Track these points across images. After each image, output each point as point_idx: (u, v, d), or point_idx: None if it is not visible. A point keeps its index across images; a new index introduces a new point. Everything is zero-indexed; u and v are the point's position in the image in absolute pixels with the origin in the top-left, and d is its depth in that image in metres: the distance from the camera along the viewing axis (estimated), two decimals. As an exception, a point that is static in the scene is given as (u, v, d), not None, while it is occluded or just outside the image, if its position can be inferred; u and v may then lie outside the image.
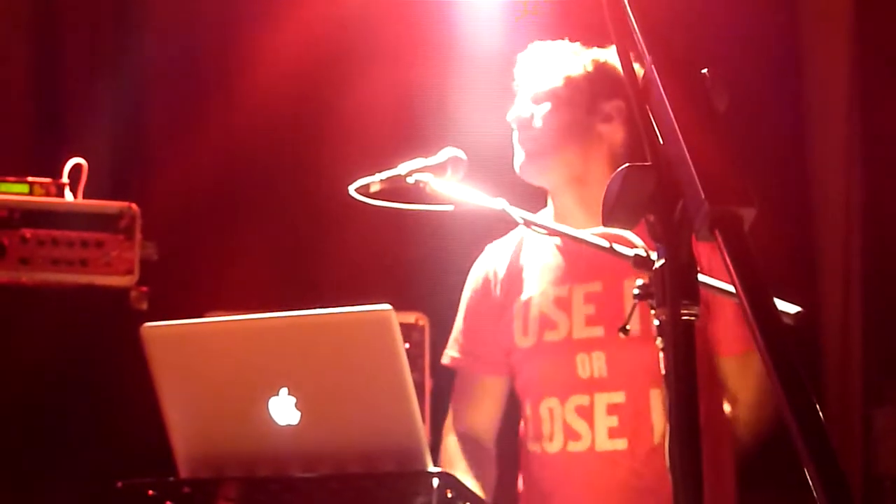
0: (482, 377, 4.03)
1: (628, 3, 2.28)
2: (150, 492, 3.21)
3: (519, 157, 3.99)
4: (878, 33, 6.09)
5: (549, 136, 3.91)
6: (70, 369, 5.18)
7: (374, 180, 3.58)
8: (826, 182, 6.14)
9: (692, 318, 2.23)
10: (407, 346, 3.15)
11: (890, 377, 5.78)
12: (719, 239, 2.15)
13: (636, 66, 2.29)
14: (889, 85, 5.98)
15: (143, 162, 5.71)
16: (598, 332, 3.84)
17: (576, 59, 4.05)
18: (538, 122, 3.97)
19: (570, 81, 3.98)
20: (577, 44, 4.11)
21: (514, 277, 4.04)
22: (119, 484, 3.23)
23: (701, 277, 2.41)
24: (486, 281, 4.06)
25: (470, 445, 3.98)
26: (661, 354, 2.39)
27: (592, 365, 3.85)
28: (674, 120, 2.18)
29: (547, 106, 3.95)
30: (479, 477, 3.91)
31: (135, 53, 5.97)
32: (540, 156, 3.93)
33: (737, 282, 2.16)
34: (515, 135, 4.03)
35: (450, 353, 4.04)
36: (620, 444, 3.80)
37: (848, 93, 6.17)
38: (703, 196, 2.10)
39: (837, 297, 5.98)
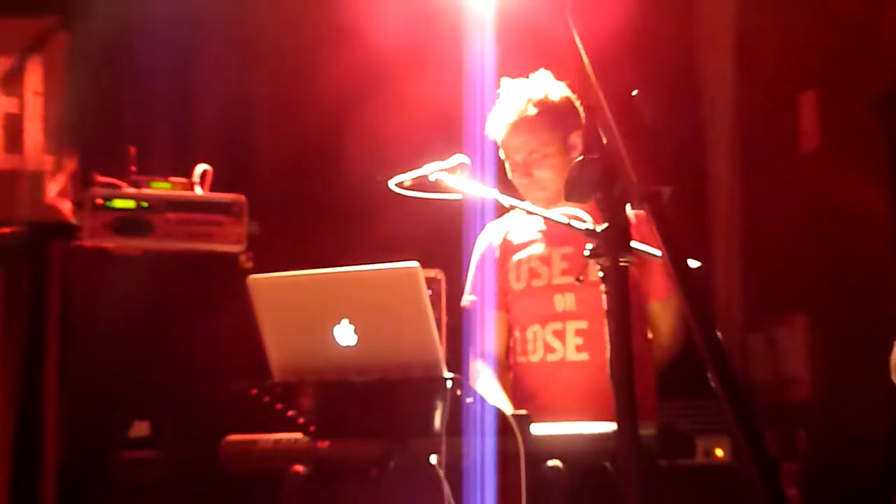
0: (490, 312, 4.04)
1: (582, 47, 2.32)
2: (254, 391, 3.24)
3: (529, 193, 3.94)
4: (755, 65, 6.07)
5: (550, 180, 3.88)
6: (198, 310, 5.19)
7: (407, 177, 3.60)
8: (716, 175, 6.16)
9: (626, 264, 2.32)
10: (429, 292, 3.18)
11: (760, 312, 5.81)
12: (647, 207, 2.24)
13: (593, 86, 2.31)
14: (764, 111, 5.98)
15: (247, 166, 5.72)
16: (569, 280, 3.85)
17: (540, 105, 3.99)
18: (540, 173, 3.93)
19: (548, 134, 3.95)
20: (545, 75, 4.05)
21: (508, 244, 4.02)
22: (233, 385, 3.26)
23: (633, 243, 2.47)
24: (489, 247, 4.04)
25: (490, 364, 3.98)
26: (604, 295, 2.47)
27: (565, 302, 3.84)
28: (613, 126, 2.26)
29: (542, 160, 3.92)
30: (500, 386, 3.91)
31: (237, 88, 5.95)
32: (547, 197, 3.89)
33: (661, 240, 2.25)
34: (520, 180, 4.00)
35: (468, 299, 4.05)
36: (584, 356, 3.78)
37: (733, 111, 6.16)
38: (634, 179, 2.20)
39: (722, 255, 6.01)
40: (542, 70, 3.90)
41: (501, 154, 3.91)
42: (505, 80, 3.93)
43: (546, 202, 3.77)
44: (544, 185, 3.83)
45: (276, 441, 3.35)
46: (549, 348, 3.82)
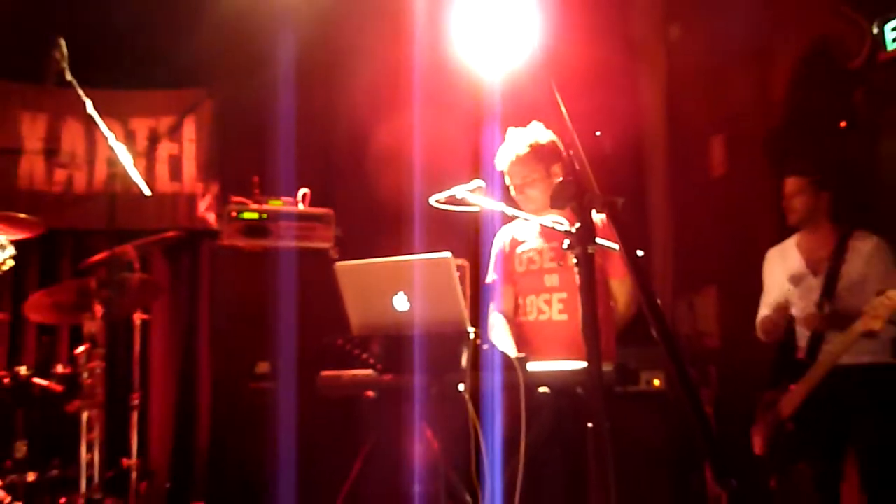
0: (504, 286, 4.01)
1: (559, 98, 2.33)
2: (340, 341, 3.24)
3: (525, 206, 3.93)
4: (681, 116, 6.04)
5: (538, 197, 3.86)
6: (301, 287, 5.15)
7: (442, 196, 3.60)
8: (653, 190, 6.13)
9: (592, 252, 2.31)
10: (458, 274, 3.18)
11: (683, 286, 5.78)
12: (606, 212, 2.26)
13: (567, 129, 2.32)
14: (687, 147, 5.95)
15: (332, 189, 5.69)
16: (553, 265, 3.84)
17: (528, 149, 3.99)
18: (530, 193, 3.92)
19: (532, 166, 3.94)
20: (522, 133, 4.06)
21: (514, 241, 4.00)
22: (325, 338, 3.26)
23: (598, 239, 2.46)
24: (503, 244, 4.03)
25: (504, 318, 3.96)
26: (577, 275, 2.46)
27: (552, 280, 3.81)
28: (583, 157, 2.26)
29: (531, 184, 3.90)
30: (510, 332, 3.90)
31: (324, 137, 5.95)
32: (537, 208, 3.87)
33: (617, 236, 2.27)
34: (519, 198, 4.00)
35: (491, 277, 4.03)
36: (564, 317, 3.75)
37: (666, 146, 6.13)
38: (598, 192, 2.21)
39: (658, 246, 5.97)
40: (534, 121, 3.88)
41: (506, 179, 3.90)
42: (510, 130, 3.92)
43: (535, 212, 3.76)
44: (534, 200, 3.82)
45: (354, 375, 3.35)
46: (540, 311, 3.81)
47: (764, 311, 4.29)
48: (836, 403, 3.90)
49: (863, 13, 4.47)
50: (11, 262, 3.37)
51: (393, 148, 5.52)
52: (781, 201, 4.25)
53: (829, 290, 4.02)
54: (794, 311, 4.19)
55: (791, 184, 4.21)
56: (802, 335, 4.13)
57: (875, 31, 4.38)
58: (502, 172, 3.92)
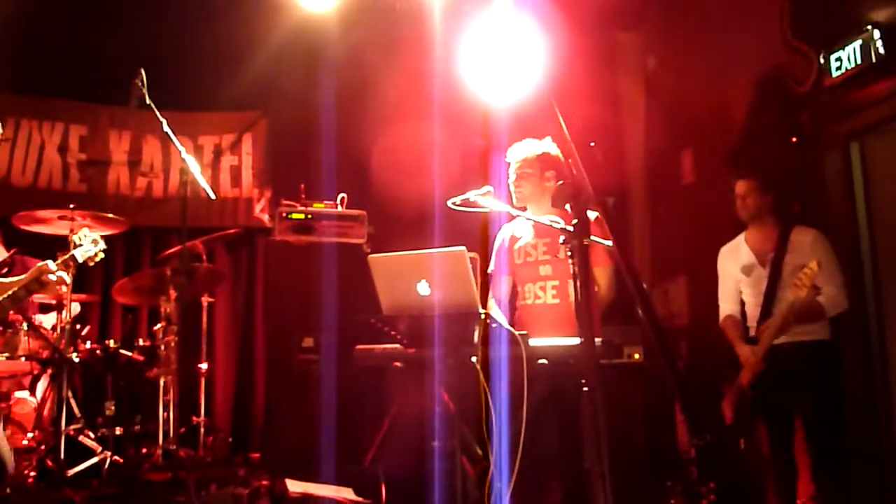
0: (502, 276, 3.99)
1: (560, 115, 2.30)
2: (373, 320, 3.22)
3: (515, 195, 3.92)
4: (656, 132, 5.99)
5: (526, 191, 3.84)
6: (340, 275, 5.08)
7: (457, 199, 3.57)
8: (634, 193, 6.08)
9: (586, 245, 2.28)
10: (471, 265, 3.16)
11: (658, 275, 5.73)
12: (599, 210, 2.23)
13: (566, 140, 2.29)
14: (661, 158, 5.90)
15: (366, 194, 5.66)
16: (549, 258, 3.80)
17: (527, 153, 3.97)
18: (521, 184, 3.90)
19: (530, 165, 3.91)
20: (534, 140, 4.04)
21: (513, 237, 3.97)
22: (360, 317, 3.25)
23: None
24: (503, 239, 4.01)
25: (500, 304, 3.93)
26: (571, 265, 2.43)
27: (546, 270, 3.80)
28: (580, 163, 2.22)
29: (524, 177, 3.88)
30: (503, 316, 3.87)
31: (359, 151, 5.92)
32: (523, 199, 3.86)
33: (608, 231, 2.24)
34: (512, 186, 3.97)
35: (491, 269, 4.01)
36: (556, 301, 3.73)
37: (644, 157, 6.08)
38: (591, 193, 2.17)
39: (637, 241, 5.94)
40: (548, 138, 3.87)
41: (509, 169, 3.87)
42: (516, 143, 3.89)
43: (524, 201, 3.75)
44: (523, 192, 3.76)
45: (384, 349, 3.34)
46: (536, 296, 3.76)
47: (723, 304, 4.25)
48: (784, 374, 3.88)
49: (810, 45, 4.43)
50: (102, 255, 3.37)
51: (416, 159, 5.48)
52: (735, 201, 4.22)
53: (774, 277, 3.98)
54: (745, 298, 4.15)
55: (741, 185, 4.18)
56: (752, 318, 4.09)
57: (821, 60, 4.33)
58: (508, 164, 3.90)
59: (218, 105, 6.28)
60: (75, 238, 3.34)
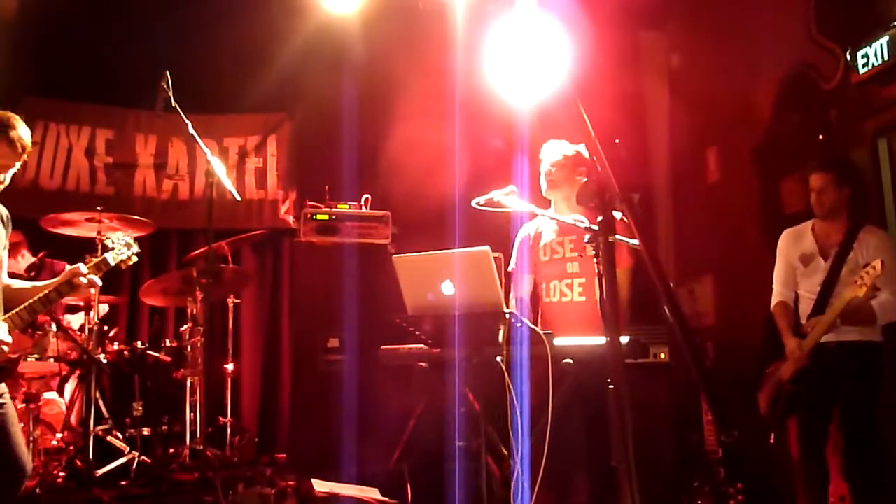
0: (524, 275, 3.98)
1: (587, 118, 2.29)
2: (397, 320, 3.22)
3: (544, 186, 3.93)
4: (680, 129, 5.95)
5: (558, 179, 3.84)
6: (364, 275, 5.14)
7: (481, 199, 3.56)
8: (658, 191, 6.05)
9: (612, 241, 2.27)
10: (494, 265, 3.15)
11: (684, 274, 5.68)
12: (624, 206, 2.22)
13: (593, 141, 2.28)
14: (686, 156, 5.86)
15: (390, 195, 5.66)
16: (575, 255, 3.79)
17: (565, 151, 3.95)
18: (553, 173, 3.90)
19: (563, 161, 3.90)
20: (565, 141, 4.05)
21: (538, 234, 3.96)
22: (385, 317, 3.25)
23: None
24: (525, 237, 3.99)
25: (521, 303, 3.92)
26: (596, 263, 2.42)
27: (572, 267, 3.78)
28: (605, 161, 2.22)
29: (556, 170, 3.88)
30: (525, 314, 3.86)
31: (380, 155, 5.93)
32: (552, 188, 3.86)
33: (634, 228, 2.23)
34: (543, 178, 3.97)
35: (511, 267, 4.01)
36: (582, 299, 3.70)
37: (668, 155, 6.05)
38: (617, 190, 2.17)
39: (663, 240, 5.89)
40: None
41: (542, 166, 3.88)
42: (552, 141, 3.89)
43: (555, 194, 3.76)
44: (559, 186, 3.79)
45: (409, 348, 3.35)
46: (563, 294, 3.75)
47: (777, 287, 4.09)
48: (828, 370, 3.76)
49: (836, 41, 4.38)
50: (136, 258, 3.40)
51: (439, 160, 5.48)
52: (810, 194, 4.00)
53: (834, 272, 3.83)
54: (799, 289, 4.03)
55: (817, 179, 3.97)
56: (804, 311, 3.98)
57: (848, 57, 4.28)
58: (537, 175, 3.89)
59: (243, 107, 6.31)
60: (108, 242, 3.36)
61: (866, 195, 4.14)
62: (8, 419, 2.98)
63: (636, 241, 3.04)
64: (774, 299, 4.06)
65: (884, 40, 4.06)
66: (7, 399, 3.01)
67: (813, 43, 4.53)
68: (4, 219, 3.17)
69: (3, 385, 2.99)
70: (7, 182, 3.05)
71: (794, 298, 4.01)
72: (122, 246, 3.34)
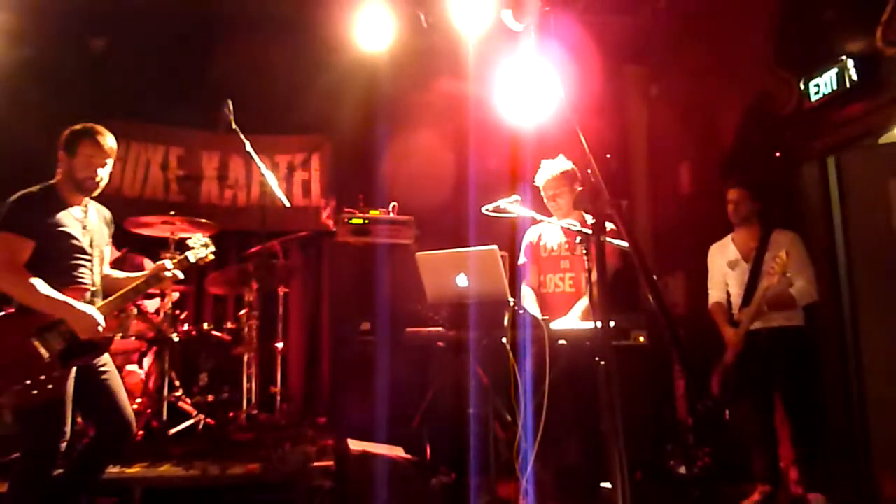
0: (531, 265, 3.97)
1: (580, 132, 2.28)
2: (419, 307, 3.22)
3: (554, 212, 3.88)
4: (657, 147, 5.90)
5: (564, 205, 3.80)
6: (391, 270, 5.16)
7: (490, 206, 3.57)
8: (638, 199, 6.00)
9: (604, 241, 2.26)
10: (501, 262, 3.14)
11: (660, 271, 5.62)
12: (615, 211, 2.20)
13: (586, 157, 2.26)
14: (662, 170, 5.81)
15: (414, 203, 5.62)
16: (567, 254, 3.78)
17: (562, 167, 3.93)
18: (558, 201, 3.85)
19: (561, 182, 3.87)
20: (551, 161, 4.04)
21: (540, 237, 3.96)
22: (409, 305, 3.25)
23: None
24: (530, 237, 4.01)
25: (533, 291, 3.91)
26: (586, 260, 2.40)
27: (565, 264, 3.78)
28: (598, 173, 2.20)
29: (560, 195, 3.84)
30: (535, 300, 3.86)
31: (404, 167, 5.90)
32: (562, 213, 3.81)
33: (622, 230, 2.21)
34: (543, 192, 3.93)
35: (521, 261, 4.00)
36: (573, 290, 3.73)
37: (646, 169, 6.01)
38: (608, 197, 2.15)
39: (642, 240, 5.83)
40: (560, 155, 3.84)
41: (542, 192, 3.84)
42: (543, 160, 3.86)
43: (560, 212, 3.72)
44: (561, 206, 3.76)
45: (429, 331, 3.35)
46: (556, 286, 3.75)
47: (712, 292, 4.22)
48: (761, 355, 3.86)
49: (792, 73, 4.35)
50: (212, 257, 3.42)
51: (455, 173, 5.49)
52: (727, 205, 4.17)
53: (755, 271, 3.95)
54: (730, 289, 4.12)
55: (734, 193, 4.15)
56: (735, 305, 4.05)
57: (802, 86, 4.26)
58: (538, 187, 3.87)
59: (291, 129, 6.31)
60: (190, 242, 3.38)
61: (778, 206, 4.20)
62: (115, 382, 3.02)
63: (625, 244, 3.03)
64: (711, 300, 4.16)
65: (833, 72, 4.04)
66: (112, 367, 3.04)
67: (772, 74, 4.51)
68: (108, 220, 3.21)
69: (106, 356, 3.02)
70: (105, 180, 3.06)
71: (726, 298, 4.11)
72: (200, 246, 3.35)
